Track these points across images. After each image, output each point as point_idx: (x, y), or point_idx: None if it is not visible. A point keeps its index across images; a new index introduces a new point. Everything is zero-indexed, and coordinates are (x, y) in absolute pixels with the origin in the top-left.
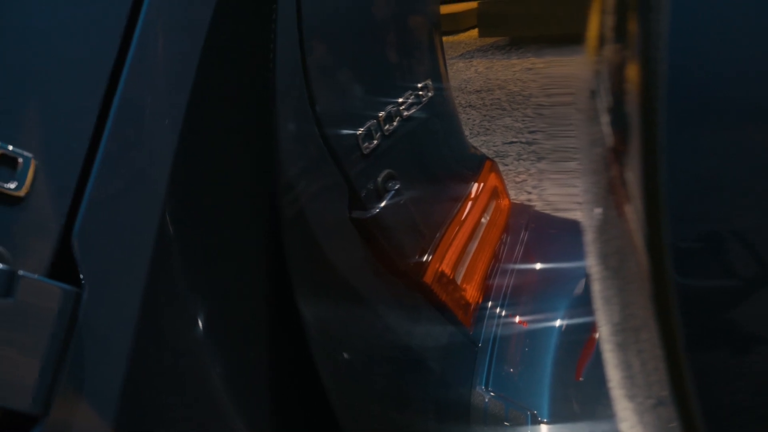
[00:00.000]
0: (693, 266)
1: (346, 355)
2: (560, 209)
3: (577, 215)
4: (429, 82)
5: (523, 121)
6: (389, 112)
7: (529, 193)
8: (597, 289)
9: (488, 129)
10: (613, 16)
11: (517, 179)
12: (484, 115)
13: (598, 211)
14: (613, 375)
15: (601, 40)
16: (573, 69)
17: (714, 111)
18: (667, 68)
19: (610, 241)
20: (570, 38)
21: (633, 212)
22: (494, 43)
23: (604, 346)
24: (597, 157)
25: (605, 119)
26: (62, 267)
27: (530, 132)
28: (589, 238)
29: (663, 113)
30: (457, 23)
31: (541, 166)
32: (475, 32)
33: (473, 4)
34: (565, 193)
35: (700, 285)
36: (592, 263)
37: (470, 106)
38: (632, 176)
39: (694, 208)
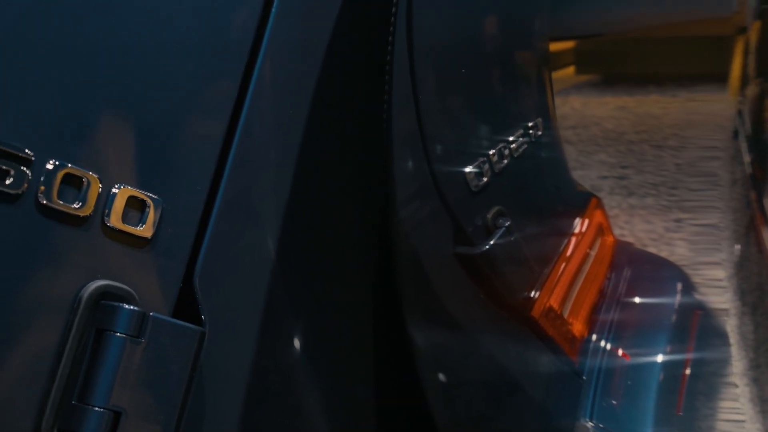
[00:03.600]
0: None
1: (454, 382)
2: (646, 245)
3: (662, 252)
4: (539, 120)
5: (616, 156)
6: (500, 150)
7: (622, 228)
8: (733, 324)
9: (584, 164)
10: (755, 55)
11: (611, 213)
12: (580, 150)
13: (738, 248)
14: (747, 409)
15: (744, 81)
16: (662, 108)
17: None
18: None
19: (749, 278)
20: (660, 78)
21: None
22: (589, 81)
23: (740, 381)
24: (738, 195)
25: (747, 158)
26: (184, 306)
27: (622, 167)
28: (728, 274)
29: None
30: (554, 61)
31: (631, 201)
32: (570, 69)
33: (570, 44)
34: (649, 230)
35: None
36: (729, 299)
37: (567, 141)
38: None
39: None
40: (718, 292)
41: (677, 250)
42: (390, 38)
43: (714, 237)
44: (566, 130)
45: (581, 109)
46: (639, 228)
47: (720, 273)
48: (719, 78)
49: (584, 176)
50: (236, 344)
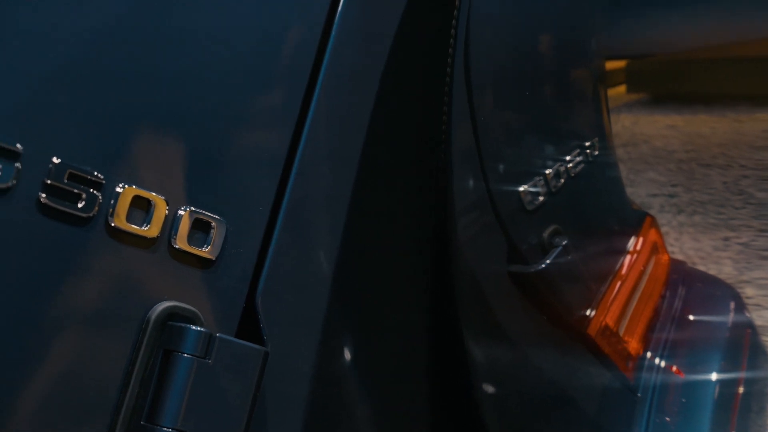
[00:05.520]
0: None
1: (509, 396)
2: (695, 263)
3: (710, 270)
4: (596, 139)
5: (666, 175)
6: (557, 169)
7: (671, 245)
8: None
9: (634, 181)
10: None
11: (661, 231)
12: (630, 168)
13: None
14: None
15: None
16: (709, 128)
17: None
18: None
19: None
20: (708, 98)
21: None
22: (639, 100)
23: None
24: None
25: None
26: (245, 325)
27: (672, 185)
28: None
29: None
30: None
31: (680, 219)
32: (621, 88)
33: (622, 63)
34: (698, 247)
35: None
36: None
37: (618, 159)
38: None
39: None
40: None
41: (724, 269)
42: (449, 59)
43: (757, 255)
44: (617, 148)
45: (631, 127)
46: (688, 246)
47: (765, 291)
48: (764, 98)
49: (634, 194)
50: (294, 362)
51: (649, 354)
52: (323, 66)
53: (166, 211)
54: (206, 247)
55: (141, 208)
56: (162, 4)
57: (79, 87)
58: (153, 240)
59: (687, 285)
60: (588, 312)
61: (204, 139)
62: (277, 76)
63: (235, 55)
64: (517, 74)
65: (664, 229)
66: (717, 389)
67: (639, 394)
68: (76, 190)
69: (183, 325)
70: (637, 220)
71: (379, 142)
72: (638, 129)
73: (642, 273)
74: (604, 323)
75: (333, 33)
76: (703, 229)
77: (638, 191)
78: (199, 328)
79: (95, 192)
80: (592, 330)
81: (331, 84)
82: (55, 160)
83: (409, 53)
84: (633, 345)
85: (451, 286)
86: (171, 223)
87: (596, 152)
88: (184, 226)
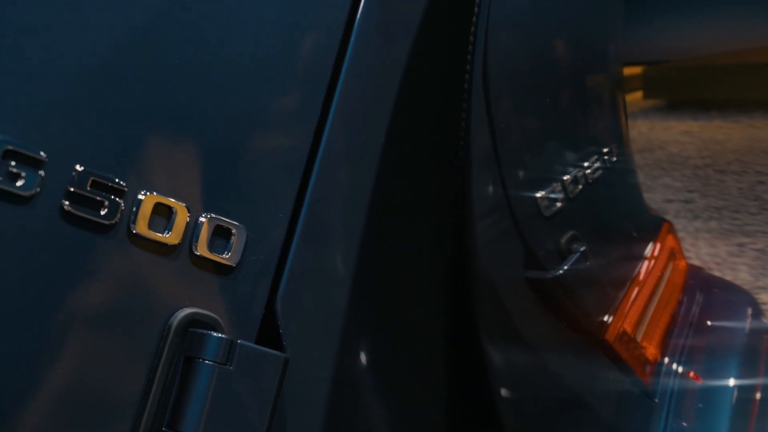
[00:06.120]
0: None
1: (526, 399)
2: (711, 269)
3: (726, 276)
4: (614, 145)
5: (681, 180)
6: (575, 176)
7: (687, 251)
8: None
9: (650, 187)
10: None
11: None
12: (646, 174)
13: None
14: None
15: None
16: (724, 134)
17: None
18: None
19: None
20: (723, 104)
21: None
22: (654, 106)
23: None
24: None
25: None
26: (264, 331)
27: (688, 191)
28: None
29: None
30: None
31: (696, 225)
32: (637, 94)
33: (637, 69)
34: (713, 253)
35: None
36: None
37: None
38: None
39: None
40: None
41: (740, 275)
42: (468, 65)
43: None
44: (634, 154)
45: (647, 133)
46: (704, 252)
47: None
48: None
49: (650, 199)
50: (313, 367)
51: (666, 360)
52: (342, 72)
53: (187, 218)
54: (226, 254)
55: (162, 215)
56: (181, 7)
57: (100, 94)
58: (174, 247)
59: (704, 291)
60: (606, 318)
61: (224, 145)
62: (295, 83)
63: (255, 60)
64: (535, 80)
65: (679, 235)
66: (735, 395)
67: (656, 400)
68: (98, 198)
69: (204, 331)
70: (654, 226)
71: (399, 147)
72: (654, 135)
73: (660, 279)
74: (622, 329)
75: (353, 37)
76: (718, 235)
77: (654, 197)
78: (220, 335)
79: (117, 199)
80: (610, 335)
81: (350, 88)
82: (78, 167)
83: (429, 52)
84: (651, 351)
85: (469, 290)
86: (192, 229)
87: (614, 158)
88: (205, 233)
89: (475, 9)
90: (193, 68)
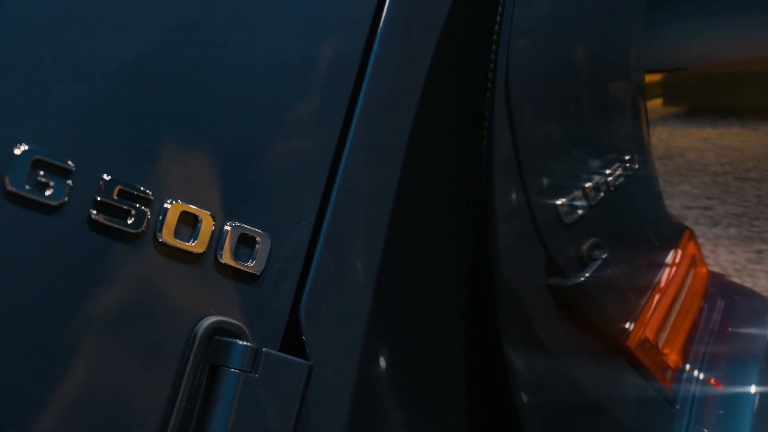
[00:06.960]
0: None
1: (548, 405)
2: (730, 276)
3: (745, 282)
4: (635, 152)
5: (701, 187)
6: (596, 183)
7: (706, 257)
8: None
9: (669, 194)
10: None
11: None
12: (665, 181)
13: None
14: None
15: None
16: (743, 141)
17: None
18: None
19: None
20: (741, 111)
21: None
22: (674, 113)
23: None
24: None
25: None
26: (289, 339)
27: (707, 198)
28: None
29: None
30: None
31: (715, 232)
32: (657, 101)
33: (657, 76)
34: (733, 260)
35: None
36: None
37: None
38: None
39: None
40: None
41: (759, 282)
42: (490, 74)
43: None
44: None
45: (667, 140)
46: (723, 258)
47: None
48: None
49: (669, 206)
50: (336, 375)
51: (687, 366)
52: (366, 75)
53: (212, 226)
54: (251, 262)
55: (188, 224)
56: (206, 12)
57: (126, 103)
58: (199, 255)
59: (725, 298)
60: (627, 324)
61: (249, 151)
62: (319, 87)
63: (280, 63)
64: (557, 88)
65: (699, 241)
66: (756, 401)
67: (678, 406)
68: (125, 207)
69: (230, 340)
70: (676, 233)
71: (423, 150)
72: (673, 142)
73: (681, 286)
74: (643, 336)
75: (376, 44)
76: (737, 242)
77: (673, 203)
78: (245, 343)
79: (144, 208)
80: (632, 342)
81: (375, 90)
82: (105, 176)
83: (454, 50)
84: (672, 357)
85: (491, 296)
86: (217, 238)
87: (636, 166)
88: (230, 241)
89: (499, 9)
90: (218, 75)
